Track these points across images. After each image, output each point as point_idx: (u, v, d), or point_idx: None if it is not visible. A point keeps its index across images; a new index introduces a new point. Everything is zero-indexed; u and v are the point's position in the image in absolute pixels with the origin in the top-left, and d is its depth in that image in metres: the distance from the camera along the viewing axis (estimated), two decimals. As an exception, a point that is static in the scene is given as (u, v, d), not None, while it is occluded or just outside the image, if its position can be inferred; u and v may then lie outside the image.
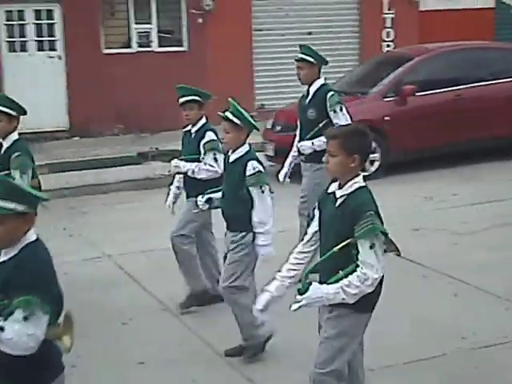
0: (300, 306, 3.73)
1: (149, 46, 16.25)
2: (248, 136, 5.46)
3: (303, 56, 7.24)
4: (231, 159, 5.47)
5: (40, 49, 15.63)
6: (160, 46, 16.31)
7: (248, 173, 5.29)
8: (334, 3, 17.63)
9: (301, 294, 3.71)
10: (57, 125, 15.81)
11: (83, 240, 9.09)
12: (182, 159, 6.49)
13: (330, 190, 3.96)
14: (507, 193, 10.08)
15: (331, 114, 7.14)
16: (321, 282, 3.81)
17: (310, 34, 17.43)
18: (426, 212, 9.57)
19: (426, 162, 11.96)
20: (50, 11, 15.55)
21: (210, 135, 6.38)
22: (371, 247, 3.71)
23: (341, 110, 7.19)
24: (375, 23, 17.60)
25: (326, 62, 7.37)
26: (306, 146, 7.13)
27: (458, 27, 17.44)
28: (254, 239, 5.38)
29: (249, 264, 5.44)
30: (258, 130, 5.55)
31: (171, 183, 6.83)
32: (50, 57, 15.67)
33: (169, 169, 6.66)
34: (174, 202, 6.77)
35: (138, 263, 8.02)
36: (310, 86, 7.31)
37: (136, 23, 16.14)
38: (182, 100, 6.41)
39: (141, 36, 16.24)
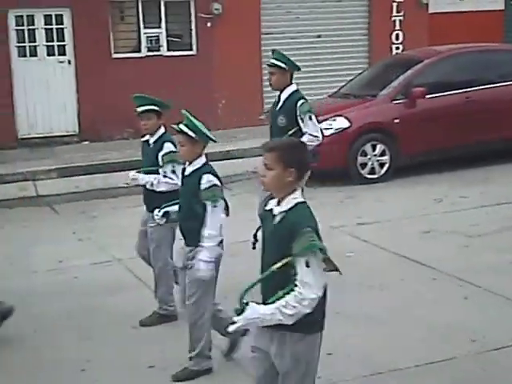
0: (237, 327, 3.61)
1: (158, 50, 16.28)
2: (204, 148, 5.33)
3: (275, 61, 7.13)
4: (187, 172, 5.36)
5: (50, 54, 15.67)
6: (169, 50, 16.33)
7: (202, 186, 5.18)
8: (344, 6, 17.63)
9: (238, 315, 3.59)
10: (66, 129, 15.86)
11: (93, 244, 9.11)
12: (139, 171, 6.40)
13: (268, 207, 3.83)
14: (517, 195, 10.07)
15: (301, 122, 7.05)
16: (264, 302, 3.69)
17: (319, 36, 17.45)
18: (435, 214, 9.54)
19: (436, 164, 11.95)
20: (59, 16, 15.59)
21: (168, 146, 6.26)
22: (308, 265, 3.54)
23: (310, 118, 7.07)
24: (384, 26, 17.60)
25: (298, 69, 7.26)
26: None
27: (467, 29, 17.42)
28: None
29: (210, 280, 5.33)
30: (214, 141, 5.37)
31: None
32: (60, 61, 15.72)
33: (127, 181, 6.56)
34: None
35: (148, 267, 8.01)
36: (281, 92, 7.21)
37: (145, 27, 16.17)
38: (139, 109, 6.30)
39: (150, 40, 16.27)
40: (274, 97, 7.36)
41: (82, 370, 5.71)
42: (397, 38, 17.79)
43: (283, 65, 7.12)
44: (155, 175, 6.27)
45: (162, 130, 6.40)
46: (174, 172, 6.19)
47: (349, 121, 11.65)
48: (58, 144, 15.41)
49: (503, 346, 5.69)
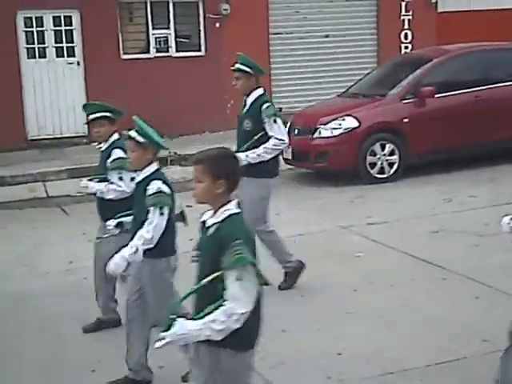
0: (165, 343, 3.50)
1: (167, 51, 16.31)
2: (155, 155, 5.19)
3: (240, 66, 7.06)
4: (138, 179, 5.23)
5: (59, 55, 15.71)
6: (178, 50, 16.36)
7: (148, 192, 5.00)
8: (352, 6, 17.63)
9: (166, 331, 3.47)
10: (76, 130, 15.89)
11: (102, 245, 9.11)
12: (91, 179, 6.31)
13: (203, 219, 3.75)
14: (527, 194, 10.03)
15: (266, 126, 6.95)
16: (194, 316, 3.60)
17: (327, 36, 17.45)
18: (444, 214, 9.52)
19: (445, 163, 11.93)
20: (68, 17, 15.64)
21: (116, 152, 6.16)
22: (238, 279, 3.44)
23: (275, 121, 6.95)
24: (393, 25, 17.58)
25: (264, 73, 7.22)
26: (240, 158, 6.93)
27: (476, 28, 17.38)
28: (168, 265, 5.27)
29: (167, 291, 5.31)
30: (165, 148, 5.23)
31: None
32: (69, 63, 15.76)
33: (80, 190, 6.51)
34: None
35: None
36: (247, 96, 7.14)
37: (154, 28, 16.21)
38: (91, 117, 6.25)
39: (159, 41, 16.31)
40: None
41: (93, 370, 5.73)
42: (405, 38, 17.76)
43: (248, 69, 7.02)
44: (105, 183, 6.17)
45: (115, 136, 6.31)
46: (121, 179, 6.09)
47: (358, 120, 11.64)
48: (68, 145, 15.46)
49: (514, 345, 5.67)
